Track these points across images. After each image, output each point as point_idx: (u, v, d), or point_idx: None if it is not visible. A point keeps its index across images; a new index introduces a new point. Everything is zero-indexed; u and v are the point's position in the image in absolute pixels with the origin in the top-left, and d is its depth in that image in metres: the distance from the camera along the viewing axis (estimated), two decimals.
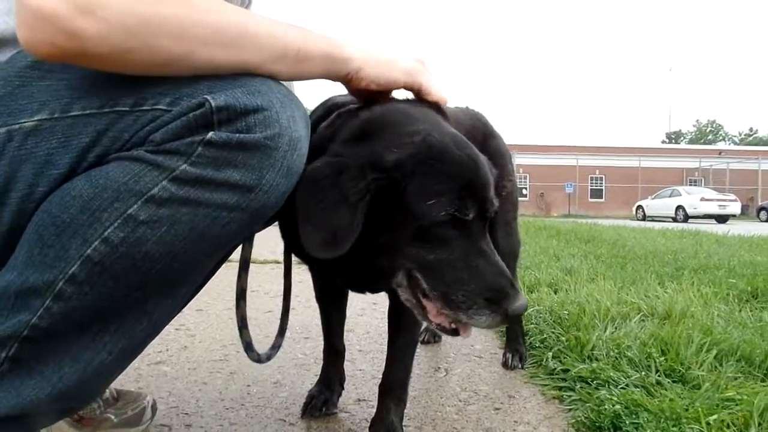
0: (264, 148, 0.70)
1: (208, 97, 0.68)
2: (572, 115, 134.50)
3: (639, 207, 26.83)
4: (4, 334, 0.67)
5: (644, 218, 25.55)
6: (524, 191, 36.92)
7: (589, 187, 37.43)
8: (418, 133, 0.85)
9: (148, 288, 0.72)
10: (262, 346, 1.82)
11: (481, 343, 1.92)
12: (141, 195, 0.67)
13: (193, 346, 1.79)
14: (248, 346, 1.01)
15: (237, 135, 0.69)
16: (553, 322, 1.87)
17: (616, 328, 1.81)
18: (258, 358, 1.02)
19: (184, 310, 2.29)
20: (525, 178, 37.12)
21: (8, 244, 0.71)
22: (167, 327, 1.90)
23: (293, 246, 1.17)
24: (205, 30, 0.68)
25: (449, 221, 0.82)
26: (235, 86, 0.70)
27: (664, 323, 1.82)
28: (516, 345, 1.69)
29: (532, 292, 2.34)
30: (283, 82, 0.79)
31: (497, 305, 0.82)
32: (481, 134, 1.54)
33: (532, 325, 1.88)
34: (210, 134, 0.68)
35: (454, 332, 0.89)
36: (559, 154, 36.61)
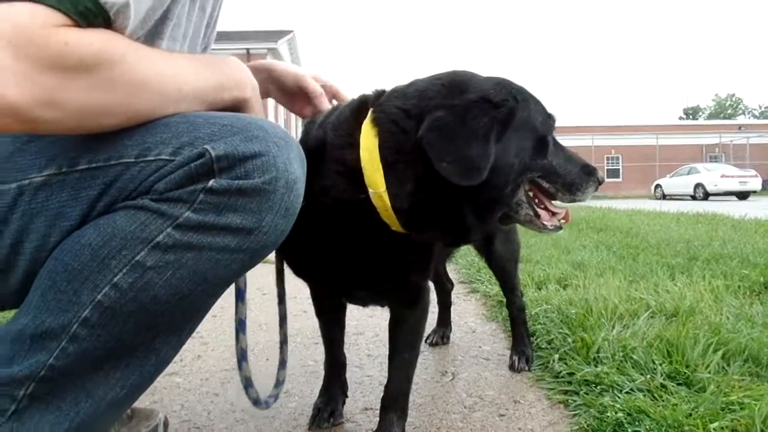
0: (262, 192, 0.74)
1: (208, 147, 0.72)
2: (587, 94, 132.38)
3: (657, 186, 26.41)
4: (22, 375, 0.72)
5: (663, 197, 25.15)
6: None
7: (606, 167, 36.90)
8: (493, 80, 1.01)
9: (156, 328, 0.77)
10: (273, 354, 1.86)
11: (489, 344, 1.93)
12: (147, 242, 0.72)
13: (206, 355, 1.84)
14: (248, 383, 1.06)
15: (236, 181, 0.73)
16: (561, 321, 1.88)
17: (624, 326, 1.81)
18: (256, 400, 1.08)
19: None
20: None
21: (23, 288, 0.75)
22: None
23: (294, 266, 1.20)
24: (147, 103, 0.73)
25: (550, 131, 1.04)
26: (234, 133, 0.74)
27: (672, 321, 1.82)
28: (522, 347, 1.71)
29: (540, 289, 2.35)
30: None
31: (592, 176, 1.07)
32: None
33: (540, 326, 1.89)
34: (211, 182, 0.72)
35: (560, 228, 1.08)
36: (575, 134, 36.07)
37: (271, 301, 2.57)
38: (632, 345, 1.58)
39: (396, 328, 1.23)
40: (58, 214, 0.73)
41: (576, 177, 1.05)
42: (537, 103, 1.04)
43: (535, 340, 1.81)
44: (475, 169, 0.89)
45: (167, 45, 0.87)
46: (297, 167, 0.79)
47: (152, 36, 0.83)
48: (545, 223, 1.04)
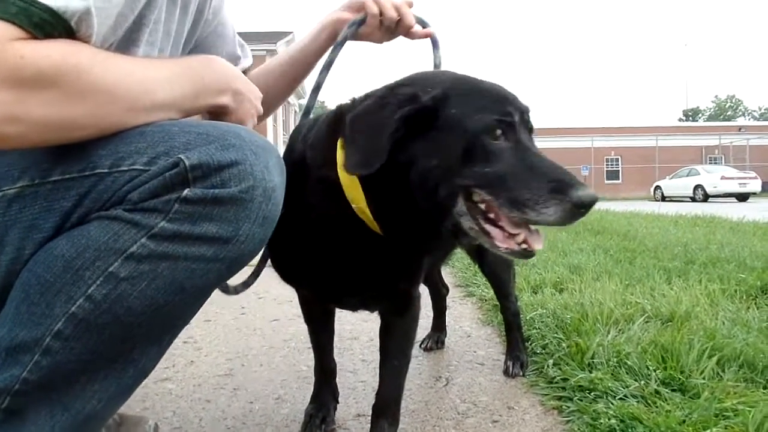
0: (239, 201, 0.73)
1: (183, 157, 0.71)
2: (585, 95, 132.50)
3: (657, 187, 26.42)
4: None
5: (663, 198, 25.17)
6: None
7: (605, 169, 36.92)
8: (447, 74, 0.98)
9: (133, 339, 0.75)
10: (267, 359, 1.85)
11: (483, 349, 1.92)
12: (121, 253, 0.70)
13: (199, 361, 1.83)
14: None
15: (212, 190, 0.72)
16: (556, 326, 1.87)
17: (619, 331, 1.80)
18: (226, 289, 1.12)
19: (192, 322, 2.33)
20: None
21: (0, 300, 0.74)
22: (175, 341, 1.95)
23: (283, 273, 1.19)
24: (117, 114, 0.72)
25: (497, 130, 0.87)
26: (209, 142, 0.73)
27: (667, 326, 1.81)
28: (517, 352, 1.70)
29: (536, 293, 2.34)
30: None
31: (563, 194, 0.81)
32: None
33: (535, 330, 1.88)
34: (186, 191, 0.71)
35: (526, 254, 0.89)
36: (574, 136, 36.12)
37: (267, 305, 2.58)
38: (627, 350, 1.57)
39: (386, 335, 1.22)
40: (32, 226, 0.71)
41: (529, 192, 0.82)
42: (481, 101, 0.89)
43: (530, 345, 1.80)
44: (363, 162, 0.86)
45: (145, 51, 0.86)
46: (275, 175, 0.78)
47: (127, 43, 0.82)
48: (497, 243, 0.87)
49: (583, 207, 0.81)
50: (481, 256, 1.67)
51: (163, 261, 0.71)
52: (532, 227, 0.87)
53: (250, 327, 2.23)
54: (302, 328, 2.14)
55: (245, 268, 0.85)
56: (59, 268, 0.70)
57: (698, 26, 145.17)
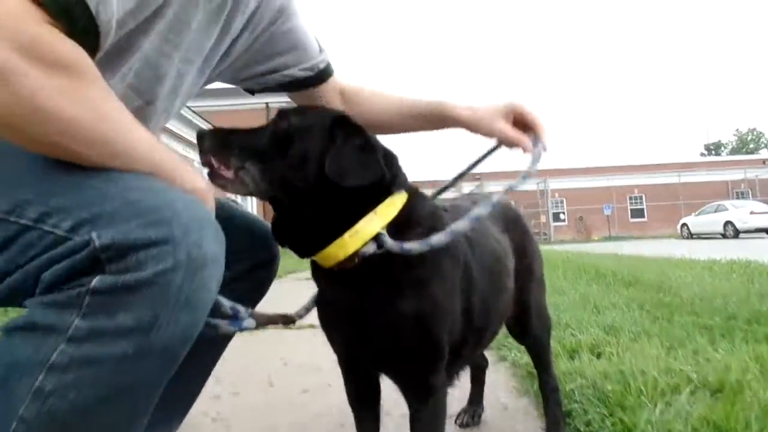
0: (154, 285, 0.67)
1: (94, 236, 0.67)
2: (604, 134, 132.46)
3: (684, 225, 25.88)
4: None
5: (690, 236, 24.60)
6: (561, 216, 36.28)
7: (629, 207, 36.44)
8: None
9: None
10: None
11: (522, 423, 1.84)
12: (43, 365, 0.66)
13: None
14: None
15: (123, 277, 0.67)
16: (597, 399, 1.79)
17: (666, 404, 1.71)
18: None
19: (222, 394, 2.28)
20: (561, 202, 36.52)
21: None
22: (205, 419, 1.91)
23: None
24: (93, 135, 0.70)
25: None
26: (135, 216, 0.69)
27: (717, 397, 1.71)
28: (558, 430, 1.62)
29: (573, 359, 2.25)
30: None
31: None
32: (510, 218, 1.55)
33: (576, 404, 1.80)
34: (95, 282, 0.67)
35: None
36: (595, 176, 35.94)
37: (294, 373, 2.51)
38: (678, 429, 1.48)
39: (412, 422, 1.13)
40: None
41: None
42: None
43: (572, 421, 1.72)
44: None
45: (157, 44, 0.86)
46: (210, 250, 0.73)
47: (139, 32, 0.83)
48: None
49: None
50: (524, 324, 1.61)
51: (85, 367, 0.66)
52: None
53: (280, 400, 2.18)
54: (333, 401, 2.09)
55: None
56: None
57: (715, 59, 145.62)
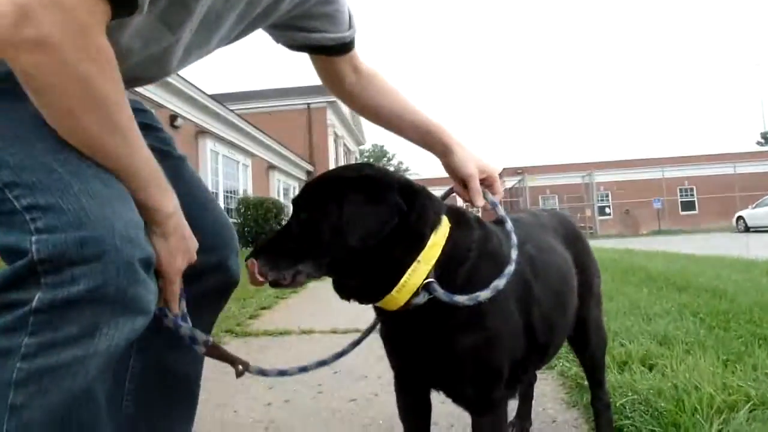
0: (88, 300, 0.74)
1: (33, 246, 0.74)
2: (652, 125, 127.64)
3: (739, 218, 24.69)
4: None
5: (746, 229, 23.46)
6: (607, 210, 35.28)
7: (679, 200, 35.05)
8: None
9: None
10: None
11: None
12: (10, 384, 0.74)
13: None
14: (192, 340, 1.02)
15: (59, 292, 0.73)
16: (650, 416, 1.76)
17: (723, 422, 1.66)
18: (191, 337, 1.03)
19: (274, 401, 2.35)
20: (607, 195, 35.48)
21: None
22: (258, 426, 1.98)
23: None
24: (96, 120, 0.77)
25: None
26: (76, 226, 0.75)
27: None
28: None
29: (623, 371, 2.21)
30: None
31: None
32: (571, 234, 1.55)
33: (627, 421, 1.77)
34: (35, 302, 0.73)
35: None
36: (642, 168, 34.73)
37: (344, 381, 2.55)
38: None
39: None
40: None
41: None
42: None
43: None
44: None
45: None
46: (140, 266, 0.79)
47: None
48: None
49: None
50: (582, 339, 1.60)
51: (43, 377, 0.73)
52: None
53: (329, 409, 2.23)
54: (380, 412, 2.12)
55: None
56: None
57: None
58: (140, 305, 0.80)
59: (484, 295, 1.04)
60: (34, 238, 0.74)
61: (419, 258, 1.02)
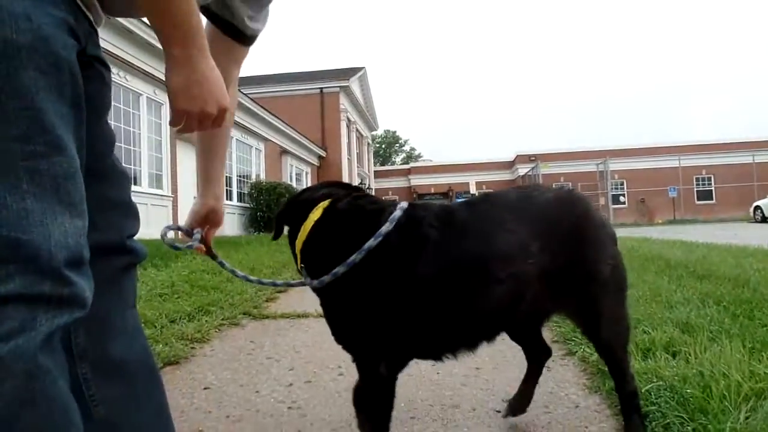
0: (26, 297, 0.75)
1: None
2: (668, 113, 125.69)
3: (757, 208, 24.33)
4: None
5: (763, 219, 23.15)
6: (621, 198, 34.94)
7: (695, 189, 34.57)
8: None
9: None
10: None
11: (595, 424, 1.82)
12: None
13: (305, 430, 1.86)
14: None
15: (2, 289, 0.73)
16: (676, 402, 1.74)
17: (751, 409, 1.64)
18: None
19: (295, 383, 2.36)
20: (622, 184, 35.11)
21: None
22: (281, 406, 1.99)
23: None
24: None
25: None
26: (14, 226, 0.75)
27: None
28: None
29: (647, 358, 2.20)
30: None
31: None
32: (566, 218, 1.48)
33: (653, 407, 1.76)
34: None
35: None
36: (658, 156, 34.26)
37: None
38: None
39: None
40: None
41: None
42: None
43: (649, 423, 1.69)
44: None
45: None
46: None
47: None
48: None
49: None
50: (594, 336, 1.57)
51: None
52: None
53: (350, 390, 2.24)
54: (401, 395, 2.12)
55: None
56: None
57: None
58: (77, 302, 0.81)
59: (326, 278, 1.30)
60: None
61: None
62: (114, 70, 6.44)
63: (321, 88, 25.46)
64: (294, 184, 19.15)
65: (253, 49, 1.45)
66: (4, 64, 0.75)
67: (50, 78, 0.79)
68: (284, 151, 20.58)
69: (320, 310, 1.49)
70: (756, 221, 23.42)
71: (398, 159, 65.15)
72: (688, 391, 1.77)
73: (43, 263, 0.76)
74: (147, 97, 11.28)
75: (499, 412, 1.94)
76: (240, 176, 16.45)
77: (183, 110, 0.97)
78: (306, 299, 4.32)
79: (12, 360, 0.72)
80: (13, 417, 0.73)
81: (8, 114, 0.75)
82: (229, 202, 14.83)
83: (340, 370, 2.47)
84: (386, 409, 1.40)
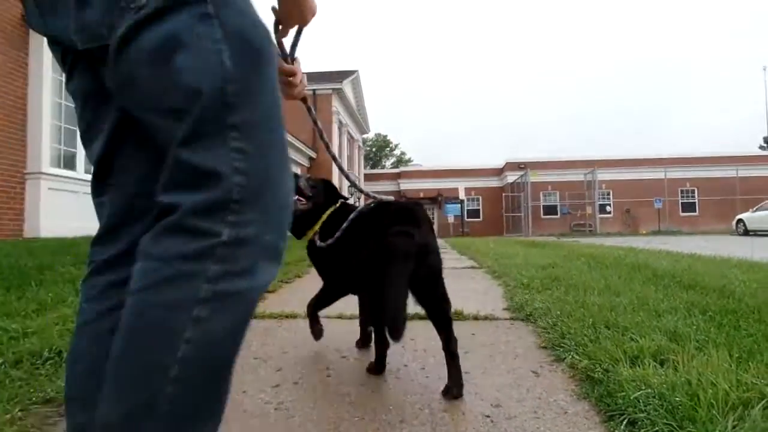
0: (255, 243, 0.91)
1: (236, 188, 0.86)
2: (655, 125, 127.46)
3: (739, 221, 24.74)
4: None
5: (745, 233, 23.54)
6: (608, 208, 35.31)
7: (680, 201, 35.06)
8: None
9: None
10: None
11: (581, 429, 1.82)
12: (195, 300, 0.84)
13: None
14: None
15: (241, 232, 0.87)
16: (664, 411, 1.75)
17: (738, 419, 1.66)
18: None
19: (282, 383, 2.34)
20: (608, 194, 35.49)
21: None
22: (268, 407, 1.97)
23: None
24: None
25: None
26: (262, 180, 0.91)
27: None
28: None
29: (635, 365, 2.21)
30: None
31: None
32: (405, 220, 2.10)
33: (642, 414, 1.77)
34: (224, 235, 0.85)
35: None
36: (644, 168, 34.71)
37: (352, 366, 2.55)
38: None
39: None
40: None
41: None
42: None
43: (638, 430, 1.69)
44: None
45: None
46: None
47: None
48: None
49: None
50: (424, 288, 2.09)
51: (222, 298, 0.85)
52: None
53: (339, 392, 2.23)
54: (391, 398, 2.12)
55: None
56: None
57: None
58: (281, 258, 0.95)
59: (328, 242, 2.30)
60: (237, 180, 0.85)
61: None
62: None
63: (314, 89, 25.42)
64: None
65: None
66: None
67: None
68: None
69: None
70: (738, 234, 23.80)
71: (388, 163, 65.26)
72: (677, 399, 1.78)
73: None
74: None
75: (488, 416, 1.94)
76: None
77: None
78: (294, 299, 4.30)
79: (237, 296, 0.87)
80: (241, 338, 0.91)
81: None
82: None
83: (328, 372, 2.45)
84: (326, 302, 2.61)
